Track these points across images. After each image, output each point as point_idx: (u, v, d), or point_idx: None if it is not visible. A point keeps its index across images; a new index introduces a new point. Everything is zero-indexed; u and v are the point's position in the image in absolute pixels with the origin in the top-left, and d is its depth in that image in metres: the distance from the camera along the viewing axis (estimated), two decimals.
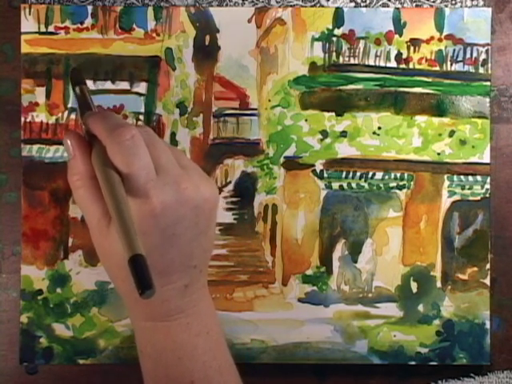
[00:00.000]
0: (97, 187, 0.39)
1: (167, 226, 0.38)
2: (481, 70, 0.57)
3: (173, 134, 0.57)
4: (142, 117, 0.57)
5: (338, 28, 0.57)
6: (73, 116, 0.57)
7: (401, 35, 0.57)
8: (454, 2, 0.57)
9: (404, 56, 0.57)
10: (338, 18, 0.57)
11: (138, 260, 0.33)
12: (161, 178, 0.38)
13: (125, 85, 0.57)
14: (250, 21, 0.57)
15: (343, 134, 0.57)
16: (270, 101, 0.57)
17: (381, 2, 0.57)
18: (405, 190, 0.57)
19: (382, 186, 0.57)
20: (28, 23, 0.56)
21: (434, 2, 0.57)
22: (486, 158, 0.57)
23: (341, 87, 0.57)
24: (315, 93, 0.57)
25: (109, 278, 0.43)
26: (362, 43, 0.57)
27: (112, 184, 0.36)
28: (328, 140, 0.57)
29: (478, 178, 0.57)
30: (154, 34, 0.57)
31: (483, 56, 0.57)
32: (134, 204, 0.37)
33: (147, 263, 0.33)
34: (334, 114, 0.57)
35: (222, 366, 0.43)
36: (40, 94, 0.56)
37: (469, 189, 0.57)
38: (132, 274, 0.33)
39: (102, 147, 0.38)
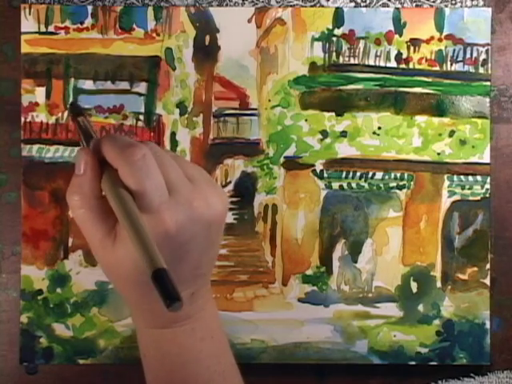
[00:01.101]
0: (98, 208, 0.38)
1: (181, 245, 0.38)
2: (481, 70, 0.57)
3: (173, 134, 0.57)
4: (142, 117, 0.57)
5: (338, 28, 0.57)
6: None
7: (401, 35, 0.57)
8: (454, 1, 0.57)
9: (404, 56, 0.57)
10: (338, 17, 0.57)
11: (161, 274, 0.33)
12: (173, 198, 0.37)
13: (125, 85, 0.57)
14: (250, 21, 0.57)
15: (343, 134, 0.57)
16: (270, 101, 0.57)
17: (381, 2, 0.57)
18: (405, 190, 0.57)
19: (382, 186, 0.57)
20: (28, 23, 0.56)
21: (434, 2, 0.57)
22: (486, 158, 0.57)
23: (341, 87, 0.57)
24: (315, 93, 0.57)
25: (116, 290, 0.42)
26: (361, 43, 0.57)
27: (125, 202, 0.36)
28: (328, 140, 0.57)
29: (478, 178, 0.57)
30: (154, 34, 0.57)
31: (483, 56, 0.57)
32: (148, 224, 0.36)
33: (171, 276, 0.33)
34: (333, 114, 0.57)
35: (226, 370, 0.43)
36: (40, 94, 0.56)
37: (469, 189, 0.57)
38: (157, 288, 0.33)
39: (112, 171, 0.38)
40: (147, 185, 0.36)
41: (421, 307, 0.57)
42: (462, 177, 0.57)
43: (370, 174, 0.57)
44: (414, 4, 0.57)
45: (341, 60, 0.57)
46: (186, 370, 0.41)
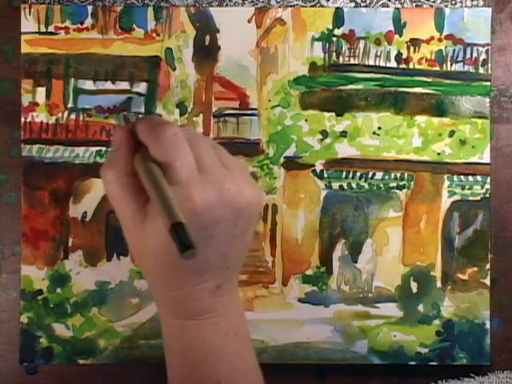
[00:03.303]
0: (131, 185, 0.39)
1: (206, 226, 0.37)
2: (481, 70, 0.57)
3: None
4: (142, 117, 0.57)
5: (338, 28, 0.57)
6: (73, 116, 0.57)
7: (401, 35, 0.57)
8: (454, 2, 0.57)
9: (404, 56, 0.57)
10: (338, 18, 0.57)
11: (179, 226, 0.33)
12: (203, 177, 0.37)
13: (125, 85, 0.57)
14: (250, 21, 0.57)
15: (343, 133, 0.57)
16: (270, 101, 0.57)
17: (381, 2, 0.57)
18: (405, 190, 0.57)
19: (381, 186, 0.57)
20: (28, 23, 0.56)
21: (434, 2, 0.57)
22: (486, 158, 0.57)
23: (341, 87, 0.57)
24: (315, 93, 0.57)
25: (143, 275, 0.42)
26: (361, 43, 0.57)
27: (153, 173, 0.37)
28: (328, 140, 0.57)
29: (478, 178, 0.57)
30: (154, 34, 0.57)
31: (483, 56, 0.57)
32: (176, 199, 0.36)
33: (188, 229, 0.33)
34: (333, 114, 0.57)
35: (249, 368, 0.43)
36: (40, 94, 0.56)
37: (469, 189, 0.57)
38: (173, 237, 0.33)
39: (145, 150, 0.38)
40: (176, 159, 0.36)
41: (421, 307, 0.57)
42: (461, 177, 0.57)
43: (370, 174, 0.57)
44: (414, 4, 0.57)
45: (341, 60, 0.57)
46: (208, 364, 0.41)
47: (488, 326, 0.57)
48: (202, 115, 0.57)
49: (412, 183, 0.57)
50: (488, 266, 0.57)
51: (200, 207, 0.36)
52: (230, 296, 0.42)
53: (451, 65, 0.57)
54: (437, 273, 0.57)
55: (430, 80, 0.57)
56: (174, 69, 0.57)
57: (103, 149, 0.56)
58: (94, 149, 0.56)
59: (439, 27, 0.57)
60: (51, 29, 0.56)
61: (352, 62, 0.57)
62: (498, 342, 0.57)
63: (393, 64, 0.57)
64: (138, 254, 0.40)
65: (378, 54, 0.57)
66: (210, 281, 0.40)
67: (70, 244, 0.57)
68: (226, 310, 0.41)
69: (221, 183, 0.37)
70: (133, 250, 0.40)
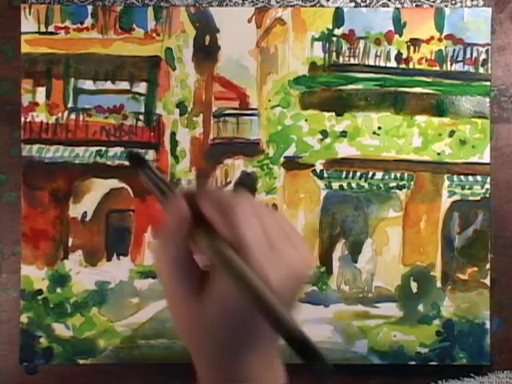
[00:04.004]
0: (187, 260, 0.37)
1: (283, 303, 0.36)
2: (481, 70, 0.57)
3: (173, 134, 0.57)
4: (141, 117, 0.57)
5: (338, 28, 0.57)
6: (73, 116, 0.57)
7: (401, 35, 0.57)
8: (454, 2, 0.57)
9: (404, 56, 0.57)
10: (338, 18, 0.57)
11: (305, 342, 0.34)
12: (273, 253, 0.36)
13: (125, 85, 0.57)
14: (250, 21, 0.57)
15: (343, 134, 0.57)
16: (270, 101, 0.57)
17: (381, 2, 0.57)
18: (405, 190, 0.57)
19: (381, 186, 0.57)
20: (28, 23, 0.56)
21: (434, 2, 0.57)
22: (486, 158, 0.57)
23: (341, 87, 0.57)
24: (315, 93, 0.57)
25: (183, 341, 0.41)
26: (361, 43, 0.57)
27: (233, 260, 0.35)
28: (328, 140, 0.57)
29: (478, 178, 0.57)
30: (154, 34, 0.57)
31: (483, 56, 0.57)
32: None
33: (314, 343, 0.33)
34: (333, 114, 0.57)
35: None
36: (40, 93, 0.56)
37: (469, 189, 0.57)
38: (301, 355, 0.33)
39: (209, 226, 0.37)
40: (247, 239, 0.35)
41: (421, 307, 0.57)
42: (462, 177, 0.57)
43: (370, 174, 0.57)
44: (414, 4, 0.57)
45: (341, 60, 0.57)
46: None
47: (488, 325, 0.57)
48: (202, 115, 0.57)
49: (412, 183, 0.57)
50: (488, 266, 0.57)
51: (275, 285, 0.36)
52: (272, 362, 0.41)
53: (451, 65, 0.57)
54: (437, 273, 0.57)
55: (429, 80, 0.57)
56: (174, 69, 0.57)
57: (103, 149, 0.56)
58: (94, 149, 0.56)
59: (439, 27, 0.57)
60: (51, 29, 0.56)
61: (352, 61, 0.57)
62: (498, 342, 0.57)
63: (393, 64, 0.57)
64: (183, 329, 0.39)
65: (378, 53, 0.57)
66: (262, 356, 0.39)
67: (70, 244, 0.57)
68: (266, 374, 0.41)
69: (290, 257, 0.37)
70: (177, 323, 0.39)
